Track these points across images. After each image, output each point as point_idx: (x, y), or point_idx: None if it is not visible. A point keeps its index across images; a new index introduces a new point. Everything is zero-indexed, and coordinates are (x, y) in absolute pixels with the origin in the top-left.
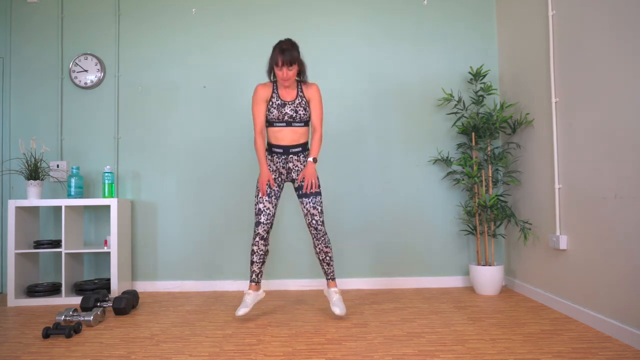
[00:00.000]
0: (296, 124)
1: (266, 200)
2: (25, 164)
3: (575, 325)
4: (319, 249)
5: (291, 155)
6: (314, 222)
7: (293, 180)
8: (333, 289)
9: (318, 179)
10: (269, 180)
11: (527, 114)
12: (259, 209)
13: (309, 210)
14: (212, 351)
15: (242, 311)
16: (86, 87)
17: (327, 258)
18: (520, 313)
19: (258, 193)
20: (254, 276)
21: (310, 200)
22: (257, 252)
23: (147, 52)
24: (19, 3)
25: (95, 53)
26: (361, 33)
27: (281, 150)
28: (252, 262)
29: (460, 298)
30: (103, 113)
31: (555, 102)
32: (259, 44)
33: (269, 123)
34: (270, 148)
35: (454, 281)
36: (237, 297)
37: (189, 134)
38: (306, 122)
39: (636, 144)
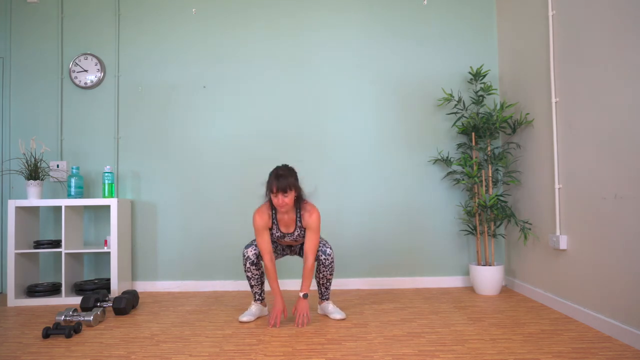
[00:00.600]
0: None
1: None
2: (25, 164)
3: (575, 325)
4: (323, 274)
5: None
6: (320, 244)
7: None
8: (326, 303)
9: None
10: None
11: (527, 114)
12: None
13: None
14: (212, 351)
15: (245, 317)
16: (86, 87)
17: (328, 283)
18: (520, 313)
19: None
20: (257, 296)
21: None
22: (252, 277)
23: (147, 52)
24: (19, 3)
25: (95, 53)
26: (361, 33)
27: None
28: (250, 285)
29: (460, 298)
30: (103, 113)
31: (555, 102)
32: (260, 43)
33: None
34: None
35: (454, 281)
36: (237, 297)
37: (189, 134)
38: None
39: (636, 144)
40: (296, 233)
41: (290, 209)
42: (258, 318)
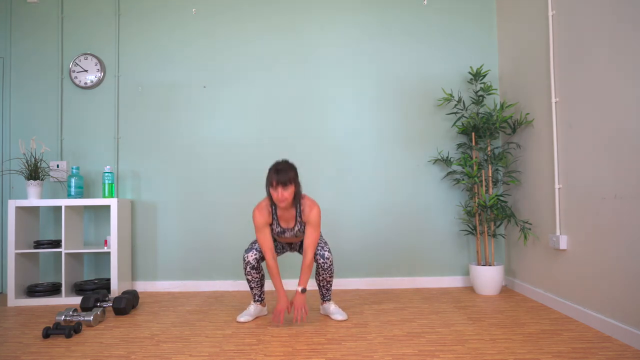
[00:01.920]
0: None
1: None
2: (25, 164)
3: (575, 325)
4: (322, 277)
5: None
6: (319, 248)
7: None
8: (327, 303)
9: (321, 236)
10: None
11: (527, 114)
12: (256, 240)
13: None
14: (212, 351)
15: (243, 318)
16: (86, 87)
17: (328, 285)
18: (520, 313)
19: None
20: (256, 297)
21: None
22: (252, 280)
23: (147, 52)
24: (19, 3)
25: (95, 53)
26: (361, 33)
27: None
28: (250, 287)
29: (460, 298)
30: (103, 113)
31: (555, 102)
32: (260, 43)
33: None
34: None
35: (454, 281)
36: (237, 297)
37: (189, 134)
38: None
39: (636, 144)
40: (296, 228)
41: (289, 205)
42: (256, 318)
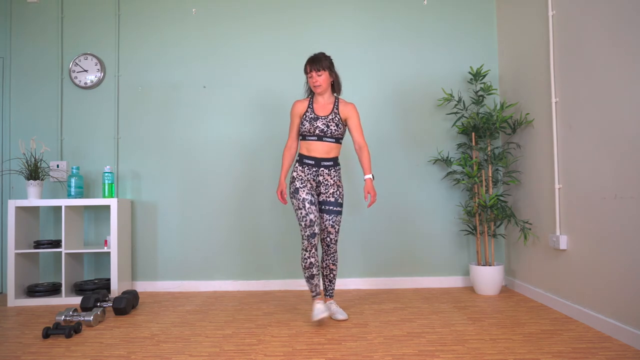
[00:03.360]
0: (327, 139)
1: (315, 210)
2: (25, 164)
3: (575, 325)
4: (326, 264)
5: (322, 169)
6: (328, 239)
7: (319, 194)
8: (329, 302)
9: (342, 198)
10: (282, 192)
11: (527, 114)
12: (311, 219)
13: (327, 228)
14: (212, 351)
15: (323, 315)
16: (86, 87)
17: (331, 275)
18: (520, 313)
19: (301, 205)
20: (318, 289)
21: (331, 218)
22: (315, 264)
23: (147, 52)
24: (19, 3)
25: (95, 53)
26: (361, 33)
27: (313, 162)
28: (312, 276)
29: (460, 298)
30: (103, 113)
31: (555, 102)
32: (259, 43)
33: (302, 136)
34: (302, 159)
35: (454, 281)
36: (237, 297)
37: (189, 134)
38: (337, 139)
39: (636, 144)
40: (330, 117)
41: (325, 90)
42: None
